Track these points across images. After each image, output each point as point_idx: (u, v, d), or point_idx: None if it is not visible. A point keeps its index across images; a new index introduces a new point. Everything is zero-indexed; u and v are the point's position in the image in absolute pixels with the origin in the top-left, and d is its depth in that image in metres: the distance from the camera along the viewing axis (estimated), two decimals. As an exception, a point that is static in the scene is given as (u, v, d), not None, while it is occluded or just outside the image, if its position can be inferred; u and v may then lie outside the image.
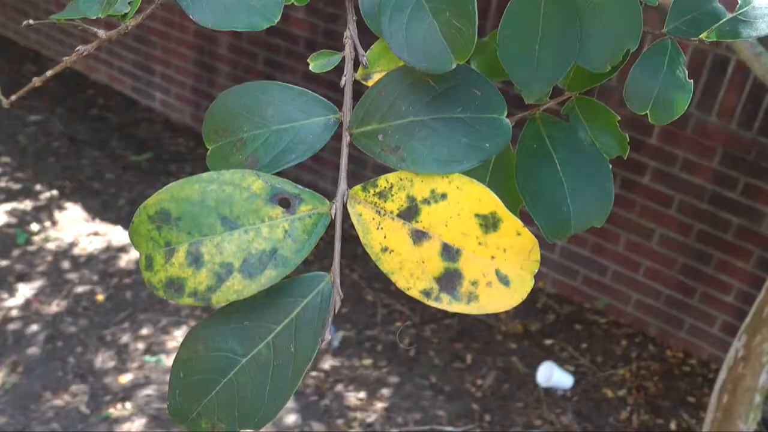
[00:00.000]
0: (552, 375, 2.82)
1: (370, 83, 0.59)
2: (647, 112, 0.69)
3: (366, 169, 3.54)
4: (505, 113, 0.53)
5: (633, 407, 2.77)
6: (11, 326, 2.80)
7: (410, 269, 0.52)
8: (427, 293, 0.51)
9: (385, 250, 0.52)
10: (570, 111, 0.73)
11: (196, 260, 0.51)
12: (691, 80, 0.69)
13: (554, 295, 3.30)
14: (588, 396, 2.80)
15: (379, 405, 2.65)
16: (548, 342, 3.04)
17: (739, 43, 1.54)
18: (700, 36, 0.68)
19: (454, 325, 3.06)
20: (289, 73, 3.79)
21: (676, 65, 0.69)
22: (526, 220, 0.70)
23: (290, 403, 2.60)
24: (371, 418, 2.59)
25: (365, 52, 0.59)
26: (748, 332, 1.94)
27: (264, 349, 0.52)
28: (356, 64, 0.58)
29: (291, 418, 2.55)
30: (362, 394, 2.68)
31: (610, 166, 0.71)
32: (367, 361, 2.83)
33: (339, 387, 2.71)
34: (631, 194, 2.98)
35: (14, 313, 2.87)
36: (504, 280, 0.50)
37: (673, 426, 2.72)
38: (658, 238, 2.99)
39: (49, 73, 0.68)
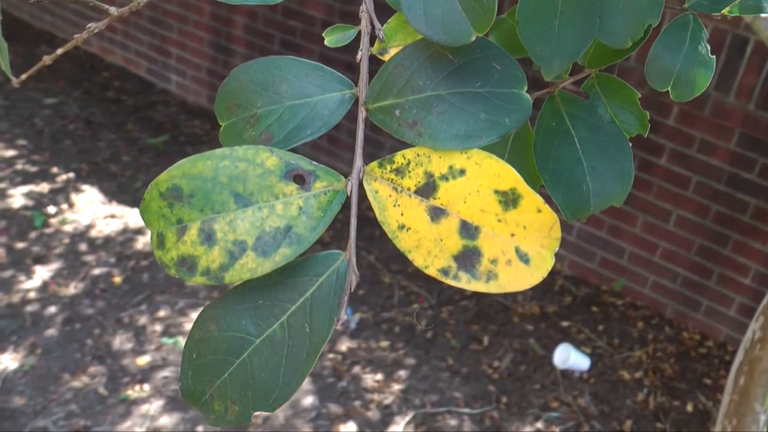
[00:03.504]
0: (569, 357, 2.81)
1: (386, 58, 0.58)
2: (668, 88, 0.67)
3: (383, 151, 3.53)
4: (525, 88, 0.52)
5: (649, 389, 2.76)
6: (29, 308, 2.81)
7: (428, 247, 0.50)
8: (445, 272, 0.50)
9: (402, 227, 0.51)
10: (590, 88, 0.72)
11: (208, 238, 0.50)
12: (714, 56, 0.67)
13: (571, 277, 3.29)
14: (605, 378, 2.79)
15: (396, 387, 2.65)
16: (565, 324, 3.03)
17: (759, 23, 1.51)
18: (722, 11, 0.67)
19: (471, 306, 3.05)
20: (305, 55, 3.78)
21: (698, 41, 0.68)
22: (545, 199, 0.69)
23: (307, 385, 2.61)
24: (388, 399, 2.59)
25: (382, 26, 0.58)
26: (765, 314, 1.93)
27: (278, 329, 0.51)
28: (372, 38, 0.57)
29: (308, 400, 2.55)
30: (379, 376, 2.68)
31: (630, 144, 0.70)
32: (384, 343, 2.83)
33: (356, 369, 2.71)
34: (649, 175, 2.96)
35: (32, 295, 2.88)
36: (524, 258, 0.49)
37: (689, 408, 2.71)
38: (676, 220, 2.97)
39: (60, 50, 0.67)
